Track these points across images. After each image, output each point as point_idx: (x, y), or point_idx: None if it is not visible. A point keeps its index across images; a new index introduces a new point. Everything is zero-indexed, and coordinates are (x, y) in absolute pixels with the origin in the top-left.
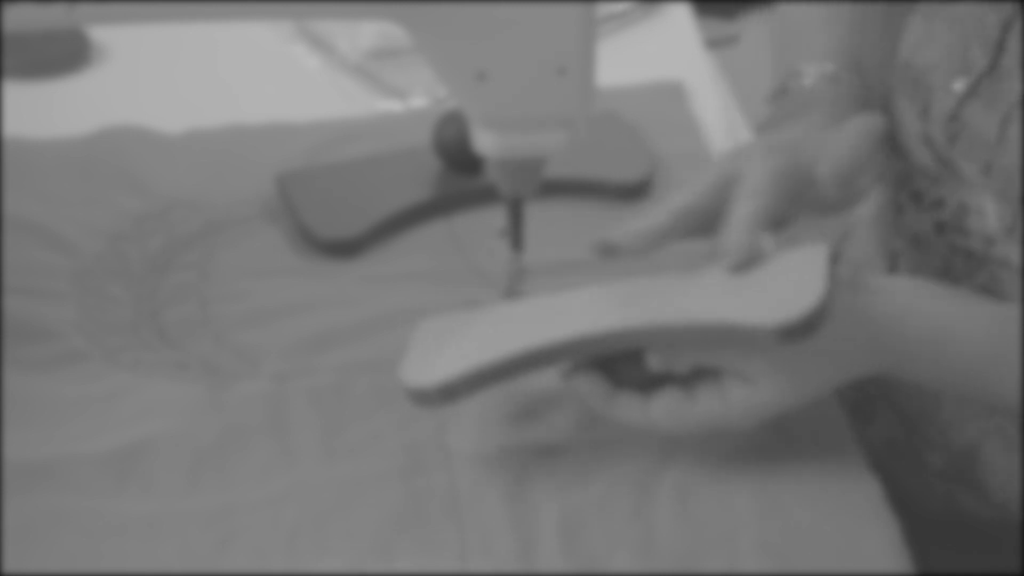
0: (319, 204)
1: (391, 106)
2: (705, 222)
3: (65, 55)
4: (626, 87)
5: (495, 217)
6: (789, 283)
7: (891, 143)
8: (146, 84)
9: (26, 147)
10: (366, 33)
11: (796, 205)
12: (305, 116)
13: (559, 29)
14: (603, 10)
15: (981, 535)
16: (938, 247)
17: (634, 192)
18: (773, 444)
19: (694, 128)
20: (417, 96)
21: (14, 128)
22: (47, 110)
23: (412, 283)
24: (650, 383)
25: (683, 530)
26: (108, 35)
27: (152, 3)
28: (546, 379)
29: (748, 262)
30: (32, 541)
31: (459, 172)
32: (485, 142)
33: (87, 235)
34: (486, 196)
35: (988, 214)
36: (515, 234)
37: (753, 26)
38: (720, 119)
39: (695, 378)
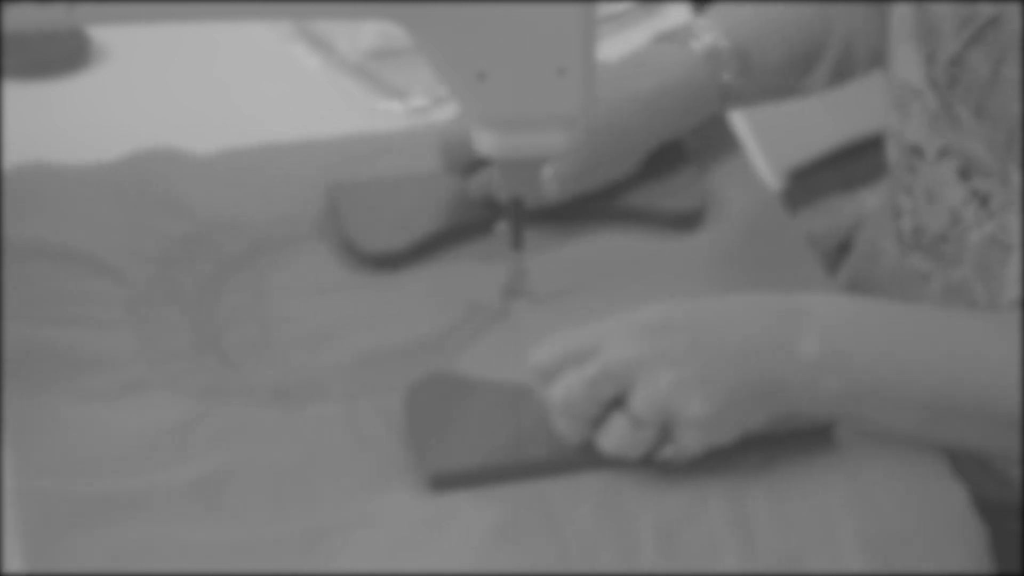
0: (367, 217)
1: (391, 106)
2: None
3: (65, 55)
4: None
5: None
6: None
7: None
8: (146, 84)
9: (58, 173)
10: (366, 33)
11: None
12: (305, 116)
13: (559, 29)
14: (603, 11)
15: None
16: (953, 196)
17: (687, 221)
18: (863, 445)
19: (731, 135)
20: (417, 96)
21: (14, 128)
22: (47, 110)
23: (458, 298)
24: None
25: (783, 531)
26: (108, 35)
27: (152, 3)
28: None
29: None
30: (122, 573)
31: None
32: (485, 142)
33: (135, 261)
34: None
35: (986, 159)
36: (515, 234)
37: None
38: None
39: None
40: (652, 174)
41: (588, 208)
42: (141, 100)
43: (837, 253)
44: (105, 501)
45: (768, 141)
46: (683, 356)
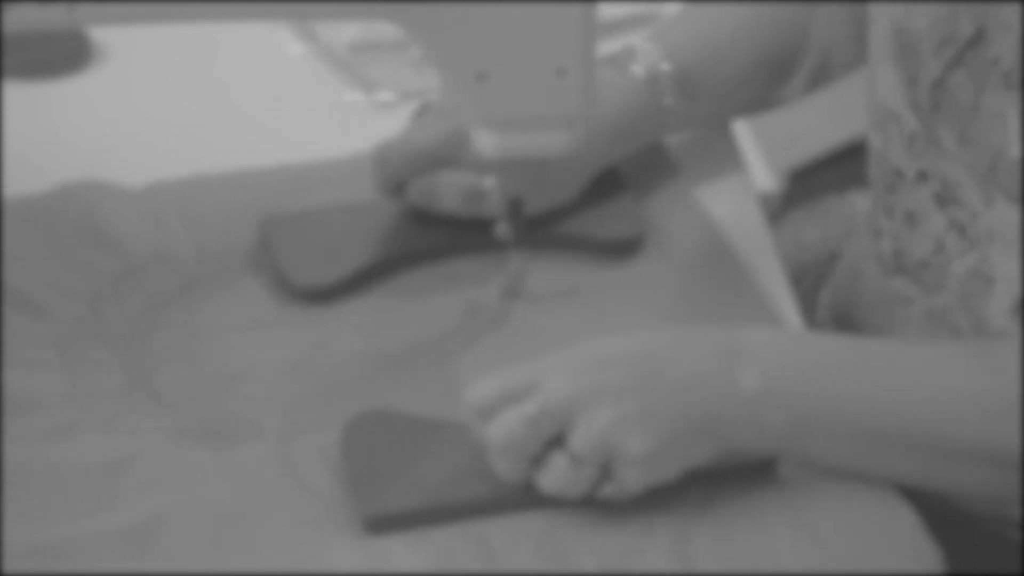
0: (298, 251)
1: (356, 98)
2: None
3: (65, 55)
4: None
5: (473, 267)
6: None
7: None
8: (146, 84)
9: None
10: (350, 25)
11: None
12: (279, 105)
13: (559, 29)
14: (602, 16)
15: (980, 529)
16: (933, 224)
17: (624, 248)
18: (806, 477)
19: (671, 164)
20: (384, 91)
21: (14, 128)
22: (47, 110)
23: (400, 329)
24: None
25: (727, 567)
26: (108, 35)
27: (152, 3)
28: None
29: None
30: None
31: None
32: (485, 142)
33: (63, 298)
34: (471, 247)
35: (966, 186)
36: (515, 234)
37: None
38: None
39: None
40: (588, 201)
41: (524, 235)
42: (141, 100)
43: (828, 262)
44: (31, 551)
45: (768, 141)
46: (622, 392)
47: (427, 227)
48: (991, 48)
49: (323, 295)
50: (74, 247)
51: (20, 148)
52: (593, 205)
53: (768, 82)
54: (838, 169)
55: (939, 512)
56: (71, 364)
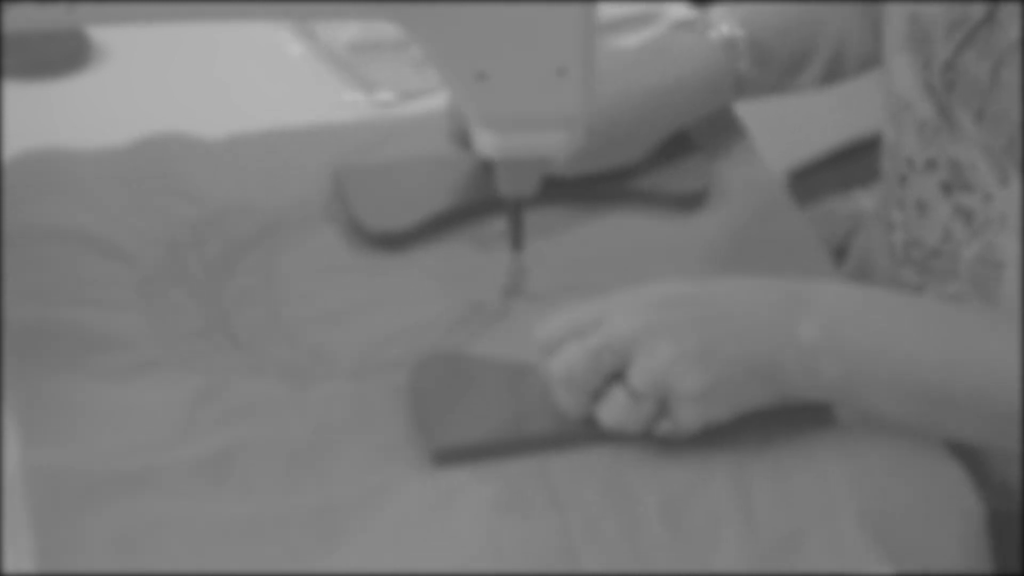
0: (373, 198)
1: (356, 98)
2: None
3: (65, 55)
4: None
5: (541, 219)
6: None
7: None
8: (146, 84)
9: (70, 158)
10: (350, 25)
11: None
12: (280, 103)
13: (559, 29)
14: (602, 16)
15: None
16: (941, 212)
17: (690, 202)
18: (861, 424)
19: (733, 119)
20: (384, 91)
21: (14, 128)
22: (47, 110)
23: (469, 275)
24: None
25: (784, 508)
26: (108, 35)
27: (152, 3)
28: None
29: None
30: (133, 548)
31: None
32: (485, 142)
33: (145, 244)
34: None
35: (980, 167)
36: (515, 234)
37: None
38: None
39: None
40: (658, 159)
41: (593, 190)
42: (141, 100)
43: (834, 258)
44: (114, 478)
45: (768, 141)
46: (683, 331)
47: (467, 186)
48: (1004, 29)
49: (396, 241)
50: (155, 197)
51: (20, 148)
52: (662, 162)
53: (795, 67)
54: (839, 169)
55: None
56: (151, 306)
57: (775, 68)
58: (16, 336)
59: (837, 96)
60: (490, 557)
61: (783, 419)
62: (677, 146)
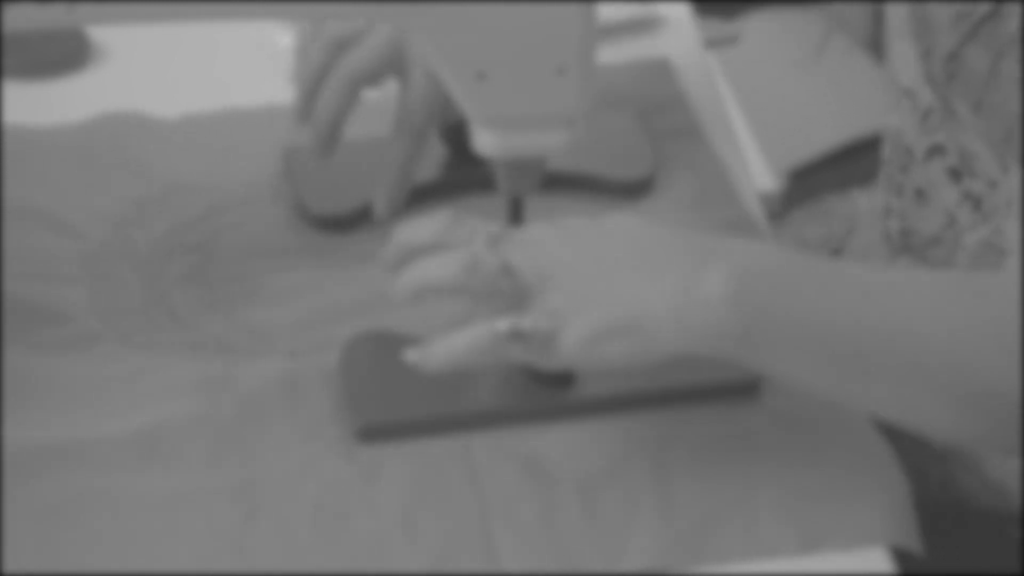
0: (318, 181)
1: None
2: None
3: (65, 55)
4: (614, 65)
5: (495, 204)
6: None
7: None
8: (146, 84)
9: (25, 135)
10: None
11: None
12: (266, 93)
13: (559, 29)
14: (602, 14)
15: (980, 525)
16: (945, 197)
17: (635, 190)
18: (787, 400)
19: (683, 104)
20: (382, 91)
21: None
22: (47, 110)
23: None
24: None
25: (701, 491)
26: (108, 35)
27: (152, 3)
28: None
29: None
30: (60, 520)
31: (463, 158)
32: (485, 142)
33: (92, 220)
34: (489, 184)
35: (983, 155)
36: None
37: (753, 26)
38: (719, 119)
39: None
40: (604, 146)
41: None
42: (141, 100)
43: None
44: (42, 452)
45: (768, 141)
46: (585, 276)
47: (452, 162)
48: (1006, 23)
49: (339, 224)
50: (105, 173)
51: None
52: (609, 149)
53: None
54: (838, 169)
55: (941, 508)
56: (95, 281)
57: None
58: None
59: (837, 96)
60: (405, 535)
61: (706, 399)
62: (623, 132)
